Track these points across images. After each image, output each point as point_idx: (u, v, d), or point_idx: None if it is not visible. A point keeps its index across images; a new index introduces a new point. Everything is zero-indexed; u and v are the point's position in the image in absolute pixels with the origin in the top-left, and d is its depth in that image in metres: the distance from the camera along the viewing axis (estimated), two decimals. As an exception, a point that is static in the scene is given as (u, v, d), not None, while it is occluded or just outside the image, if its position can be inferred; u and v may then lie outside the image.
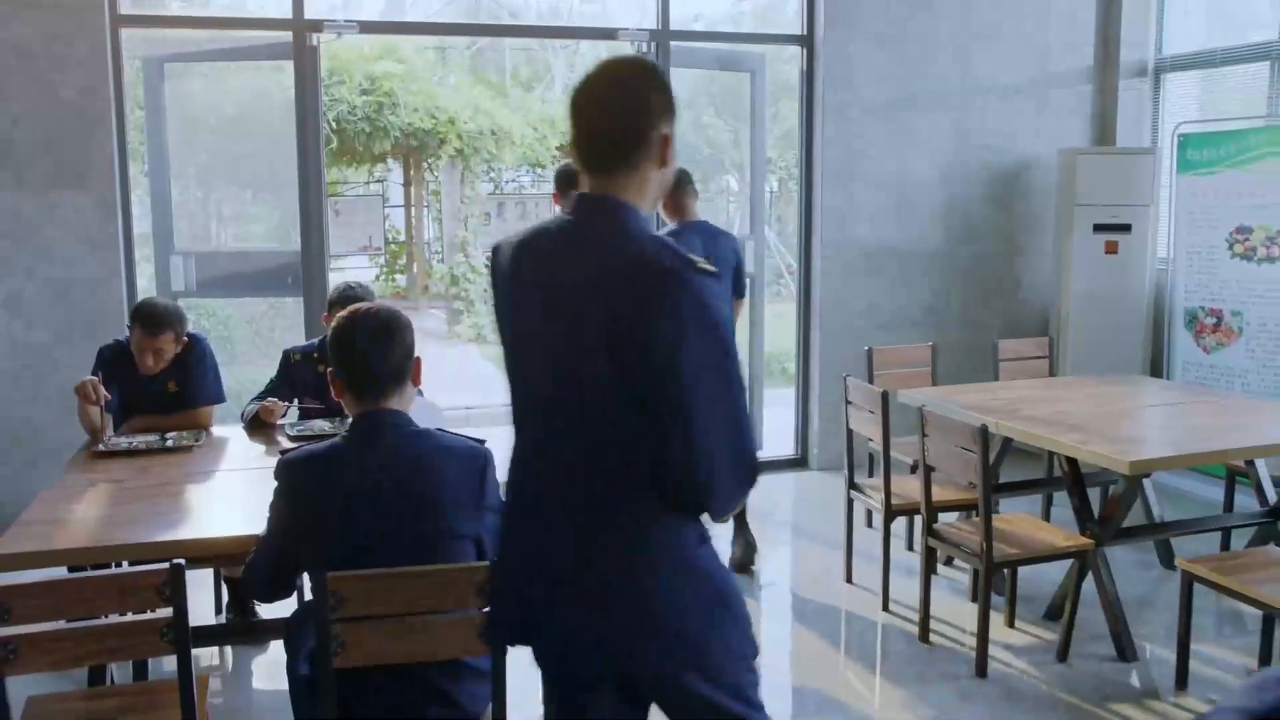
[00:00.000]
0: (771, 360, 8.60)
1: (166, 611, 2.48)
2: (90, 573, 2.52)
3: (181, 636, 2.47)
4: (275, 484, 2.61)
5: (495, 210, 16.51)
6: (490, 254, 2.18)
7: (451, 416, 6.73)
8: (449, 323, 14.98)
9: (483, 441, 2.73)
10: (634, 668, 2.03)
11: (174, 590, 2.46)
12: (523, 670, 4.22)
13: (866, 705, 3.90)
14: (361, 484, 2.54)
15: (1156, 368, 6.78)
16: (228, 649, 4.39)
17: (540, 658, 2.19)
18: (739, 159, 12.53)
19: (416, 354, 2.75)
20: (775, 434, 7.11)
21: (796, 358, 6.97)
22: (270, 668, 4.23)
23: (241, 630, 4.36)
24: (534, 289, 2.04)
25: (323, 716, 2.48)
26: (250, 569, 2.70)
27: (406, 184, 17.81)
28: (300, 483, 2.56)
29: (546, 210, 16.49)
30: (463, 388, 9.58)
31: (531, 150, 16.73)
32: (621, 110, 2.01)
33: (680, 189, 5.01)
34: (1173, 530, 4.78)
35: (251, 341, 11.20)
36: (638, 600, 1.99)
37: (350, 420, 2.66)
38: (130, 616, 2.57)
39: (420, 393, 3.79)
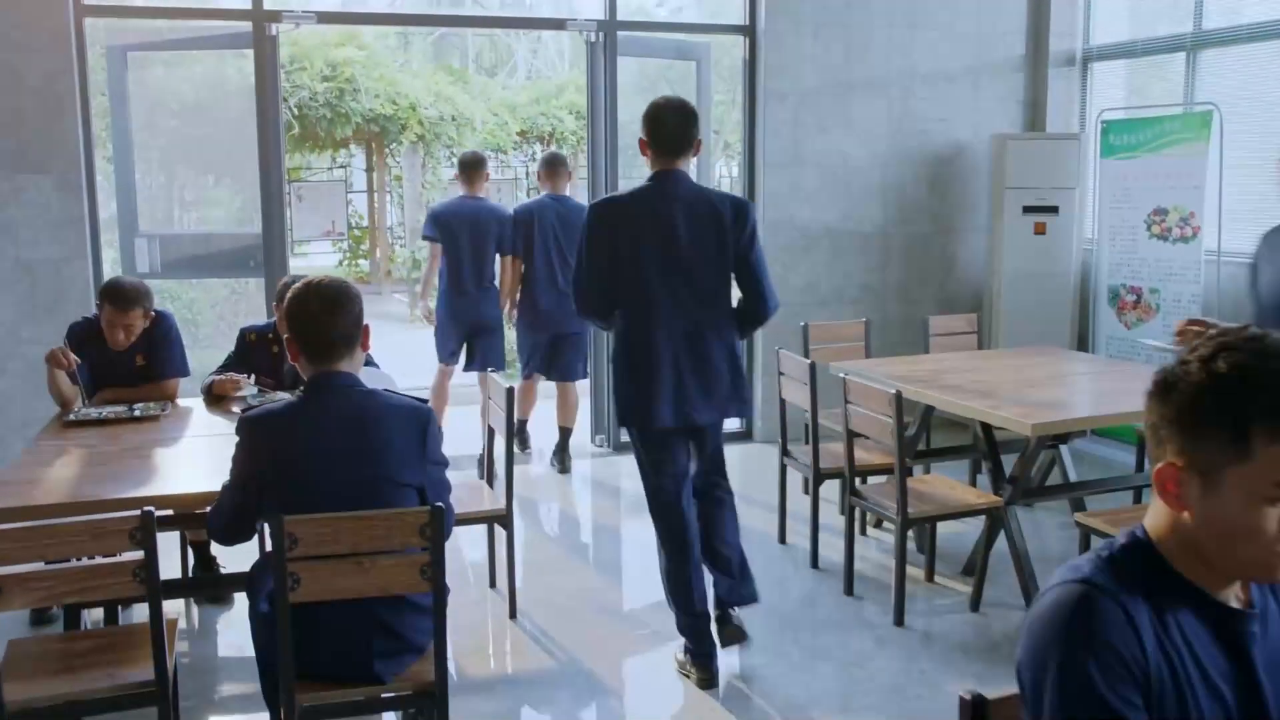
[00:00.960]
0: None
1: (138, 554, 2.75)
2: (69, 519, 2.76)
3: (152, 576, 2.74)
4: (237, 439, 2.87)
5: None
6: (594, 208, 3.89)
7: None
8: (411, 306, 15.16)
9: (425, 401, 3.01)
10: (712, 420, 3.96)
11: (145, 534, 2.73)
12: (461, 606, 4.49)
13: (790, 651, 4.21)
14: (315, 437, 2.81)
15: (1083, 342, 7.12)
16: (194, 609, 4.64)
17: (659, 426, 3.85)
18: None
19: (365, 322, 3.02)
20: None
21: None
22: (234, 627, 4.48)
23: (207, 583, 4.60)
24: (657, 219, 3.77)
25: (280, 648, 2.75)
26: (214, 515, 2.96)
27: (369, 169, 17.96)
28: (259, 437, 2.83)
29: (509, 195, 16.78)
30: (423, 369, 9.78)
31: (493, 135, 16.92)
32: (690, 124, 3.80)
33: (556, 169, 6.52)
34: (1079, 490, 5.12)
35: (215, 325, 11.38)
36: (727, 383, 3.88)
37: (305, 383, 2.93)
38: (102, 559, 2.83)
39: (376, 364, 4.06)
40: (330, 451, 2.80)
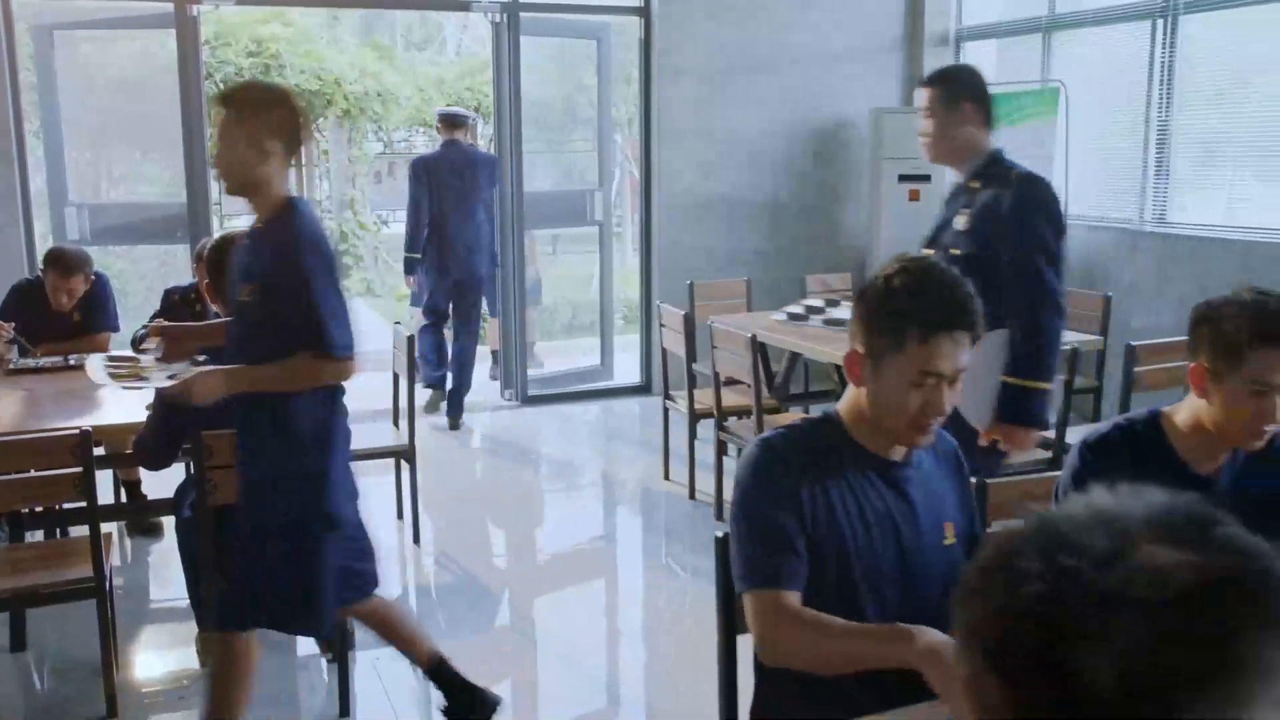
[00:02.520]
0: (629, 306, 9.43)
1: (78, 470, 3.24)
2: (18, 436, 3.24)
3: (89, 485, 3.23)
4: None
5: (386, 169, 16.94)
6: (414, 162, 7.06)
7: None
8: (340, 278, 15.53)
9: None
10: (476, 274, 7.16)
11: (83, 450, 3.21)
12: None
13: (669, 566, 4.80)
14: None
15: (954, 301, 7.75)
16: (127, 541, 5.10)
17: (451, 276, 7.03)
18: (619, 117, 13.27)
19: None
20: (624, 367, 7.99)
21: (640, 295, 7.83)
22: (163, 556, 4.95)
23: (137, 507, 5.04)
24: (453, 168, 6.84)
25: (201, 543, 3.26)
26: (140, 441, 3.46)
27: (297, 144, 18.20)
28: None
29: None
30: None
31: (419, 111, 17.26)
32: (466, 116, 7.12)
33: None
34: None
35: (144, 295, 11.70)
36: (486, 257, 7.23)
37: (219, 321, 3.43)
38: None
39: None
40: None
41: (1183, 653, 0.68)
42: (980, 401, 3.28)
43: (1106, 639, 0.68)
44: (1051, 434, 4.64)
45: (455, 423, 7.00)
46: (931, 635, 1.77)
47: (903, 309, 1.95)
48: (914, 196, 7.65)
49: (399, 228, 16.98)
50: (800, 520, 1.96)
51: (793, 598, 1.93)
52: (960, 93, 3.52)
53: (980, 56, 8.12)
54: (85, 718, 3.49)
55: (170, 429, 3.38)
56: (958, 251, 3.42)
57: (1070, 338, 5.12)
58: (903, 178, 7.65)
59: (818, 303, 5.57)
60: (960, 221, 3.49)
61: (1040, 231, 3.34)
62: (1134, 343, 4.62)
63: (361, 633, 4.01)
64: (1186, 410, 2.26)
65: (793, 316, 5.44)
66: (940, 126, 3.52)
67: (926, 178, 7.63)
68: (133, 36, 7.31)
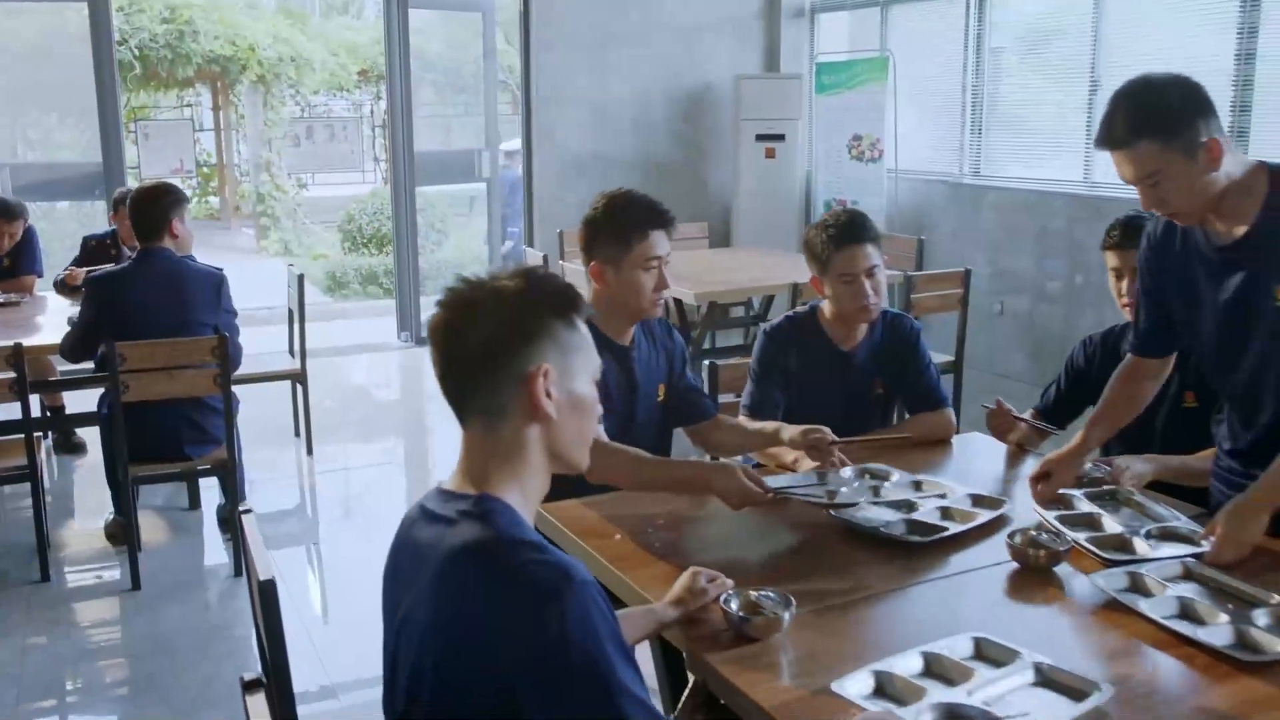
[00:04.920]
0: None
1: (11, 374, 3.97)
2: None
3: (22, 387, 3.96)
4: (85, 292, 4.12)
5: (304, 133, 17.43)
6: None
7: (256, 316, 8.24)
8: (258, 238, 16.09)
9: (220, 270, 4.31)
10: None
11: (16, 359, 3.95)
12: (269, 451, 5.75)
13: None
14: (140, 290, 4.10)
15: (808, 248, 8.64)
16: (54, 459, 5.81)
17: None
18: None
19: (173, 217, 4.28)
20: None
21: (523, 245, 8.61)
22: (87, 471, 5.66)
23: (62, 419, 5.73)
24: None
25: (115, 433, 4.02)
26: (65, 340, 4.23)
27: (215, 108, 18.64)
28: (101, 289, 4.11)
29: (354, 132, 17.89)
30: (266, 293, 10.88)
31: (334, 76, 17.79)
32: None
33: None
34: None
35: (66, 256, 12.25)
36: None
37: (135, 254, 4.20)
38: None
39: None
40: (151, 299, 4.08)
41: (508, 329, 1.52)
42: None
43: (475, 320, 1.52)
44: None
45: None
46: None
47: (622, 220, 2.78)
48: (770, 154, 8.51)
49: (318, 190, 17.67)
50: None
51: None
52: None
53: (834, 27, 8.98)
54: (23, 580, 4.25)
55: (87, 338, 4.13)
56: None
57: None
58: (759, 137, 8.50)
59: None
60: None
61: None
62: (912, 273, 5.50)
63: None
64: (830, 305, 3.14)
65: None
66: None
67: (780, 137, 8.50)
68: (47, 9, 7.90)
